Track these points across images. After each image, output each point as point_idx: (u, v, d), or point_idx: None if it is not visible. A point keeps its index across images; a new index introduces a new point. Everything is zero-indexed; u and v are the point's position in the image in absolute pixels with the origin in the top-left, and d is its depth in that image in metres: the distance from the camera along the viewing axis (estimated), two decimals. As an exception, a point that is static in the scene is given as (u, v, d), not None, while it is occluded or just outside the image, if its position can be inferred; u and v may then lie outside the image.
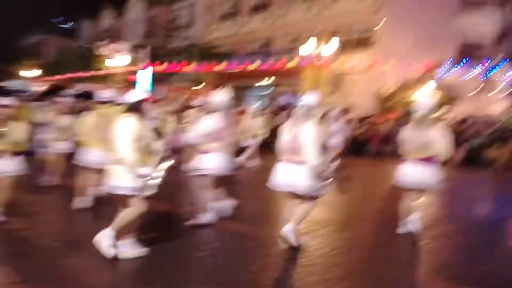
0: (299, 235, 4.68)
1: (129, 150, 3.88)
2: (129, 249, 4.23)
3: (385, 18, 21.42)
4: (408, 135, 5.33)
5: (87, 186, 6.25)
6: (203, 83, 22.55)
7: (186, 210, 5.95)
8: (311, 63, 19.35)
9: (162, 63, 26.55)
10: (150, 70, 23.46)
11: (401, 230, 5.34)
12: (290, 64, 20.25)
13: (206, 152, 5.33)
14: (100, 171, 5.36)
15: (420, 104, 5.49)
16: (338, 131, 11.12)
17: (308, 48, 19.17)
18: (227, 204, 5.82)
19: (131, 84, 26.28)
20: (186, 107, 15.64)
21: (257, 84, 27.28)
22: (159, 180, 4.06)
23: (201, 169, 5.40)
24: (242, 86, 28.34)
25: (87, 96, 13.75)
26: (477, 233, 5.96)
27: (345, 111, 16.44)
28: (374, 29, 21.82)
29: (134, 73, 24.33)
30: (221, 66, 23.24)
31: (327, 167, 4.48)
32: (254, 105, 25.40)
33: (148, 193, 4.04)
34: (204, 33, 31.22)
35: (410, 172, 5.29)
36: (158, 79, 29.50)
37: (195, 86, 24.60)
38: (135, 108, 4.12)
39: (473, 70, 20.77)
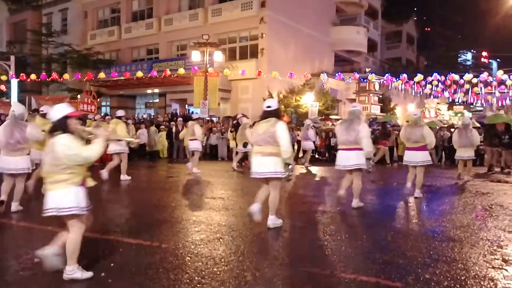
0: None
1: (291, 147, 5.14)
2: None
3: (267, 28, 22.13)
4: (406, 132, 7.70)
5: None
6: (84, 92, 20.82)
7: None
8: (199, 71, 19.11)
9: (35, 71, 24.02)
10: (15, 79, 20.97)
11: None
12: (178, 72, 19.76)
13: None
14: None
15: (414, 110, 8.00)
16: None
17: (196, 55, 18.87)
18: None
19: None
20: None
21: (145, 92, 26.16)
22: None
23: None
24: (128, 94, 26.96)
25: None
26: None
27: (243, 116, 16.47)
28: (259, 39, 22.40)
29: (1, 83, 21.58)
30: (103, 74, 21.78)
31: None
32: (143, 114, 24.43)
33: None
34: (82, 39, 29.10)
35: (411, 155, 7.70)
36: (31, 89, 26.63)
37: (75, 95, 22.67)
38: (279, 113, 5.24)
39: (348, 78, 22.61)
